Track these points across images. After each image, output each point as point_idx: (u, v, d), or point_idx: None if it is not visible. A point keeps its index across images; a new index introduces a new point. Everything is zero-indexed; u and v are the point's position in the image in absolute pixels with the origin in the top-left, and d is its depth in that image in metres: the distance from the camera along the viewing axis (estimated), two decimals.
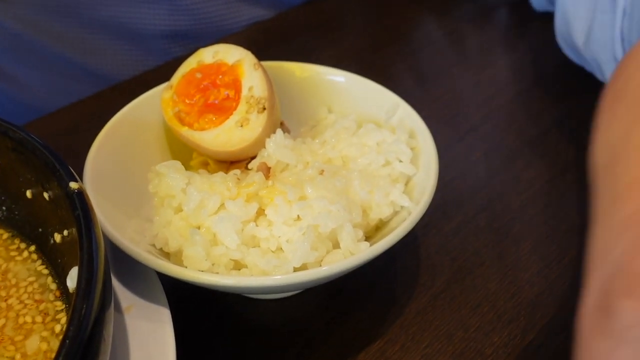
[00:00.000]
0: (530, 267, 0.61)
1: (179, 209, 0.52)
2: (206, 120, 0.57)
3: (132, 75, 0.93)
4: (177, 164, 0.55)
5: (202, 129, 0.57)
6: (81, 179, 0.51)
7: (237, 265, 0.50)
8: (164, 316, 0.47)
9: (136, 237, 0.53)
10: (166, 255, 0.53)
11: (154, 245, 0.53)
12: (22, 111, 1.00)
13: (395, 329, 0.56)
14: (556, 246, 0.63)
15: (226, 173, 0.56)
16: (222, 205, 0.51)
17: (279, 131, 0.57)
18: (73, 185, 0.41)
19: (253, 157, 0.58)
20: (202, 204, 0.51)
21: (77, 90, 0.95)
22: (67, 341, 0.33)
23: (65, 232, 0.43)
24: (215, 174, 0.54)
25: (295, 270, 0.49)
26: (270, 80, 0.58)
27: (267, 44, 0.91)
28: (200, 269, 0.48)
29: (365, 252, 0.48)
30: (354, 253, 0.50)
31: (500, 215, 0.66)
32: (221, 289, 0.50)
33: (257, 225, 0.50)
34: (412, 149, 0.57)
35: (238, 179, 0.54)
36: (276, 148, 0.56)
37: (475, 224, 0.60)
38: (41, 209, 0.46)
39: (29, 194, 0.47)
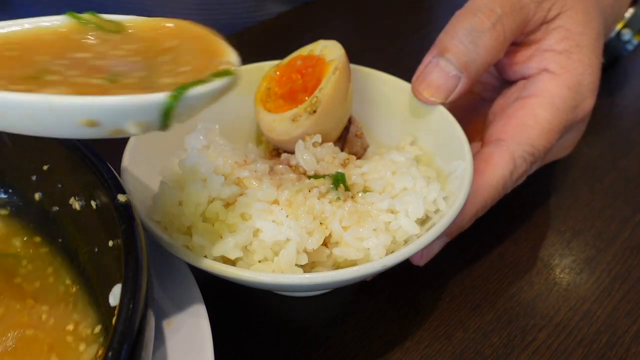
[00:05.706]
0: (530, 267, 0.63)
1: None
2: (277, 104, 0.59)
3: None
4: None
5: (269, 111, 0.59)
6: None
7: None
8: (204, 333, 0.46)
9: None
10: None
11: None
12: None
13: (395, 329, 0.57)
14: (556, 246, 0.65)
15: (269, 155, 0.60)
16: None
17: (316, 137, 0.57)
18: (121, 198, 0.41)
19: None
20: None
21: None
22: None
23: (111, 243, 0.43)
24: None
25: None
26: (343, 88, 0.57)
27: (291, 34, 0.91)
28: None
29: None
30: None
31: (501, 215, 0.65)
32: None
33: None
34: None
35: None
36: (301, 151, 0.56)
37: (476, 224, 0.59)
38: (87, 217, 0.46)
39: (76, 201, 0.47)
